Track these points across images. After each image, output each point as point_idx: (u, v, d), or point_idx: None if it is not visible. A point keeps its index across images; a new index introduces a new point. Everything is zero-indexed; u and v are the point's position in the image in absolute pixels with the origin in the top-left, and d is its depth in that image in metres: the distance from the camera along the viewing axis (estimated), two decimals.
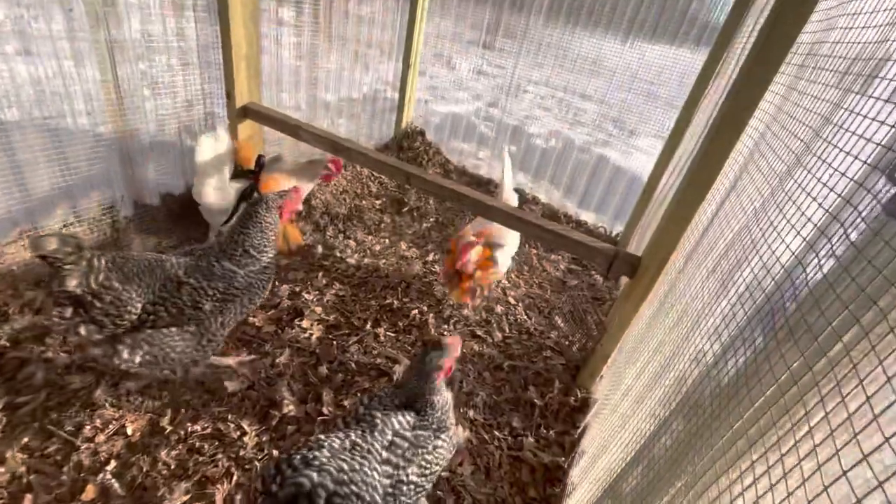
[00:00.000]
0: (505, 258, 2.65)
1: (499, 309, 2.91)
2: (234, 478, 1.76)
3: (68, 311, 1.65)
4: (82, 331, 1.68)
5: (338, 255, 3.05)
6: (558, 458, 2.12)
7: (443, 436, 1.55)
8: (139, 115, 2.51)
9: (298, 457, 1.26)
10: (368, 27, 4.18)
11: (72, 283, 1.59)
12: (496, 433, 2.18)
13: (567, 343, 2.79)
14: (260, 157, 2.65)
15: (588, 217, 4.45)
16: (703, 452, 0.86)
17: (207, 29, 2.62)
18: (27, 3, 2.01)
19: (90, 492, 1.63)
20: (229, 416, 1.95)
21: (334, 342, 2.40)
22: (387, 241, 3.37)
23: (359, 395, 2.16)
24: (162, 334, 1.79)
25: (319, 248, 3.05)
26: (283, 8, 3.27)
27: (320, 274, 2.85)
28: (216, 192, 2.53)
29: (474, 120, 5.19)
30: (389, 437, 1.44)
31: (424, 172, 2.45)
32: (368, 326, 2.55)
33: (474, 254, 2.43)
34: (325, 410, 2.05)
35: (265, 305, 2.51)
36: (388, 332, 2.55)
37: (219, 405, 1.99)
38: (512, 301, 3.03)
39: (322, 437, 1.37)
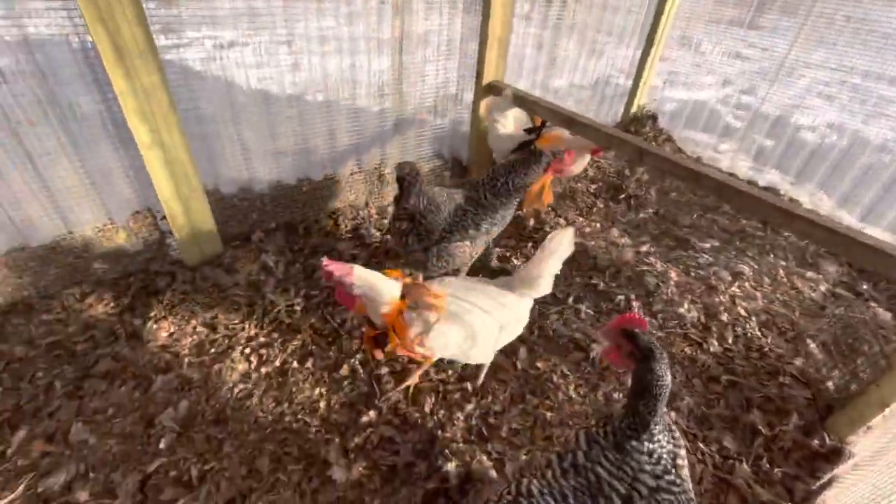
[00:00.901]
0: (446, 334, 1.73)
1: (724, 316, 2.52)
2: (441, 394, 2.05)
3: (405, 224, 2.26)
4: (410, 240, 2.31)
5: (547, 229, 3.14)
6: (782, 500, 1.75)
7: None
8: (408, 94, 3.07)
9: None
10: (612, 14, 4.07)
11: (411, 201, 2.20)
12: (701, 445, 1.93)
13: (819, 376, 2.23)
14: (544, 120, 3.05)
15: (876, 233, 3.38)
16: None
17: (468, 23, 2.99)
18: (347, 12, 2.65)
19: (345, 369, 2.14)
20: None
21: (536, 307, 2.50)
22: (598, 225, 3.28)
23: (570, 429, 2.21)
24: (453, 246, 2.33)
25: (531, 221, 3.19)
26: (535, 2, 3.49)
27: (529, 244, 2.99)
28: (504, 127, 3.10)
29: (719, 108, 4.51)
30: None
31: (660, 149, 2.28)
32: (570, 301, 2.56)
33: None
34: (518, 365, 2.18)
35: (475, 266, 2.78)
36: (588, 311, 2.51)
37: None
38: (743, 312, 2.58)
39: (534, 487, 1.19)
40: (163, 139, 2.10)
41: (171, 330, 2.23)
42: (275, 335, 2.28)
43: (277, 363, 2.14)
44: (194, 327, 2.25)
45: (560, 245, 1.78)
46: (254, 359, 2.15)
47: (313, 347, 2.23)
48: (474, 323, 1.75)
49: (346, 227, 3.02)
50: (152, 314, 2.28)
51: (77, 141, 2.12)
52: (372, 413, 1.95)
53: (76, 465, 1.70)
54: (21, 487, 1.64)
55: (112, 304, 2.32)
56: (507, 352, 2.22)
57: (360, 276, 1.66)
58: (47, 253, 2.26)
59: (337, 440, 1.85)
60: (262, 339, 2.24)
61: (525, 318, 1.92)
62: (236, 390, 2.02)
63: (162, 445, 1.79)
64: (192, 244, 2.47)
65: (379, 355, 1.92)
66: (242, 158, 2.64)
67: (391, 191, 3.30)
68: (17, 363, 2.01)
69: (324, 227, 2.97)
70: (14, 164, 2.01)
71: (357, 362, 2.16)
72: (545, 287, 1.81)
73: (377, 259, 2.79)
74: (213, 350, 2.17)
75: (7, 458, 1.71)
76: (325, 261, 1.64)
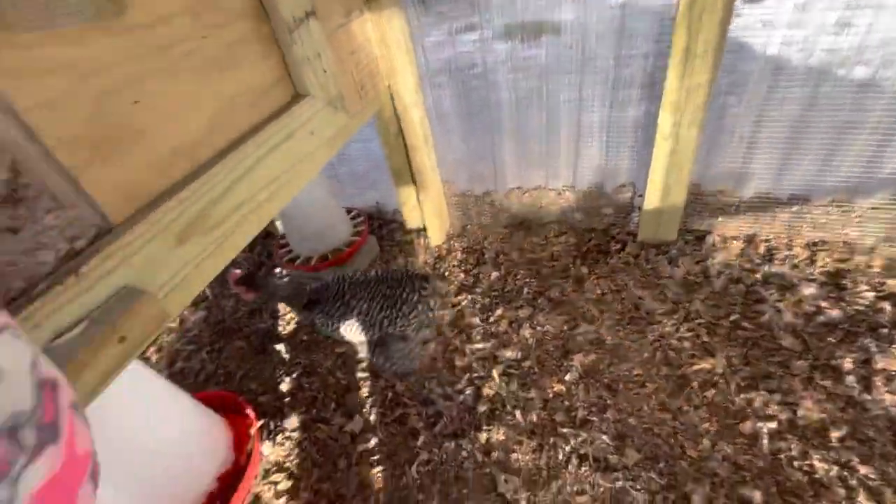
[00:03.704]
0: None
1: None
2: None
3: None
4: None
5: None
6: None
7: None
8: None
9: None
10: None
11: None
12: None
13: None
14: None
15: None
16: None
17: None
18: None
19: (747, 426, 1.93)
20: None
21: None
22: None
23: None
24: None
25: None
26: None
27: None
28: None
29: None
30: None
31: None
32: None
33: None
34: None
35: None
36: None
37: None
38: None
39: None
40: (679, 132, 2.21)
41: (604, 290, 2.61)
42: (686, 344, 2.27)
43: (679, 372, 2.17)
44: (622, 297, 2.54)
45: None
46: (659, 354, 2.26)
47: (720, 381, 2.11)
48: None
49: (818, 268, 2.42)
50: (596, 270, 2.71)
51: (612, 114, 2.51)
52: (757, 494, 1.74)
53: (515, 351, 2.42)
54: (489, 347, 2.50)
55: (573, 248, 2.90)
56: None
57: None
58: (553, 194, 2.99)
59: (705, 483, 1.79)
60: (672, 342, 2.29)
61: None
62: (634, 372, 2.22)
63: (567, 377, 2.26)
64: (652, 225, 2.65)
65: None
66: (741, 153, 2.45)
67: None
68: (511, 263, 2.93)
69: (791, 256, 2.49)
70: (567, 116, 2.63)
71: (765, 430, 1.90)
72: None
73: (857, 327, 2.15)
74: (629, 325, 2.41)
75: (487, 322, 2.62)
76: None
